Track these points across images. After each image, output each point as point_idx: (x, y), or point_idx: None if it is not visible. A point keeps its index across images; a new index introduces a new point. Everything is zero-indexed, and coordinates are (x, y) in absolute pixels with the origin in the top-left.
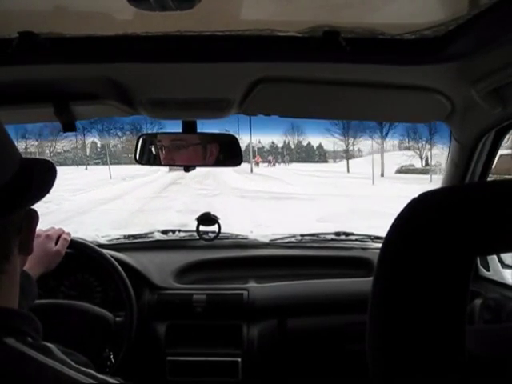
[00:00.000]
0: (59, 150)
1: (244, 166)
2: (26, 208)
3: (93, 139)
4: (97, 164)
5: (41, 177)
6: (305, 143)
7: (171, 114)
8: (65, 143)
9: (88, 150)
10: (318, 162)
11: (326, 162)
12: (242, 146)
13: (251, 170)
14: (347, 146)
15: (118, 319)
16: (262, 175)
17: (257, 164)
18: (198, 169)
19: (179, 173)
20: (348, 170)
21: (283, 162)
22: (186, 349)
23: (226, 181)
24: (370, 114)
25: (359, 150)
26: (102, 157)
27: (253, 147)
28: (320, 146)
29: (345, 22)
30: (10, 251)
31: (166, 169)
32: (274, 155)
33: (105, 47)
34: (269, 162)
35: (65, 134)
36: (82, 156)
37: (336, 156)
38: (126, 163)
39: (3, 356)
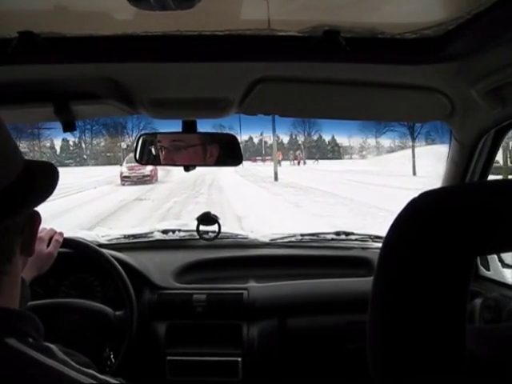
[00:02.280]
0: (24, 150)
1: (248, 166)
2: (28, 210)
3: (64, 136)
4: (67, 166)
5: (43, 179)
6: (315, 137)
7: (171, 114)
8: (30, 141)
9: (58, 149)
10: (331, 158)
11: (340, 158)
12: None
13: (275, 177)
14: (413, 139)
15: (117, 313)
16: (303, 189)
17: (278, 163)
18: (177, 184)
19: (143, 187)
20: (414, 172)
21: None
22: (186, 348)
23: (247, 221)
24: (370, 114)
25: (379, 145)
26: (75, 157)
27: (255, 144)
28: (333, 140)
29: (345, 21)
30: (12, 253)
31: (117, 180)
32: (283, 151)
33: (105, 47)
34: (295, 159)
35: (29, 131)
36: (50, 156)
37: (353, 152)
38: (104, 164)
39: (4, 357)
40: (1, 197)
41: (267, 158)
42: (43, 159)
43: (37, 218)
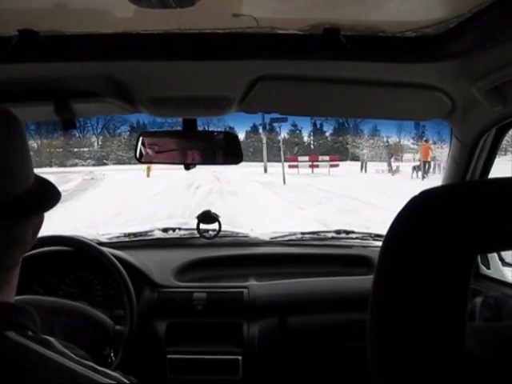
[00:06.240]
0: None
1: (289, 176)
2: (44, 212)
3: None
4: None
5: (52, 188)
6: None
7: (171, 112)
8: None
9: None
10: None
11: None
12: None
13: None
14: None
15: (117, 327)
16: None
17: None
18: None
19: None
20: None
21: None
22: (187, 347)
23: None
24: (370, 112)
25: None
26: None
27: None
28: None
29: (345, 19)
30: (21, 250)
31: None
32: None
33: (105, 45)
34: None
35: None
36: None
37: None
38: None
39: (4, 349)
40: (22, 199)
41: (322, 158)
42: None
43: (42, 219)
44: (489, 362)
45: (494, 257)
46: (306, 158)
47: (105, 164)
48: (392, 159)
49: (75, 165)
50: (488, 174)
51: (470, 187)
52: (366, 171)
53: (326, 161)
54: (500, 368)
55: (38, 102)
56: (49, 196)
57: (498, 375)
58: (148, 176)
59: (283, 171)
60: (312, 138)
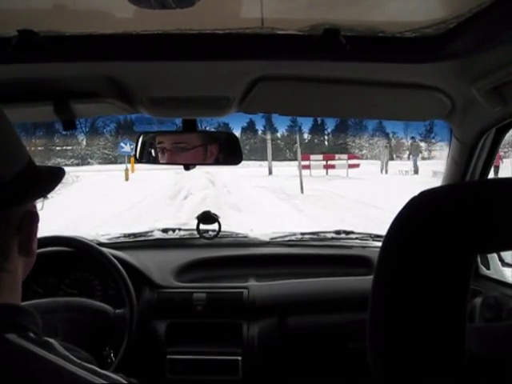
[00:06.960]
0: None
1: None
2: (24, 206)
3: None
4: None
5: (46, 178)
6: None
7: (171, 112)
8: None
9: None
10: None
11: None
12: None
13: None
14: None
15: (117, 311)
16: None
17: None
18: None
19: None
20: None
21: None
22: (187, 347)
23: None
24: (370, 112)
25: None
26: None
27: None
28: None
29: (345, 19)
30: (9, 250)
31: None
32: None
33: (105, 45)
34: None
35: None
36: None
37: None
38: None
39: (5, 352)
40: None
41: (339, 157)
42: None
43: (34, 218)
44: (489, 362)
45: (493, 257)
46: (320, 157)
47: (89, 164)
48: (419, 158)
49: (57, 165)
50: (488, 174)
51: (470, 187)
52: (386, 172)
53: (345, 159)
54: (500, 368)
55: (38, 102)
56: (36, 189)
57: (497, 375)
58: (127, 179)
59: (300, 176)
60: (328, 135)
